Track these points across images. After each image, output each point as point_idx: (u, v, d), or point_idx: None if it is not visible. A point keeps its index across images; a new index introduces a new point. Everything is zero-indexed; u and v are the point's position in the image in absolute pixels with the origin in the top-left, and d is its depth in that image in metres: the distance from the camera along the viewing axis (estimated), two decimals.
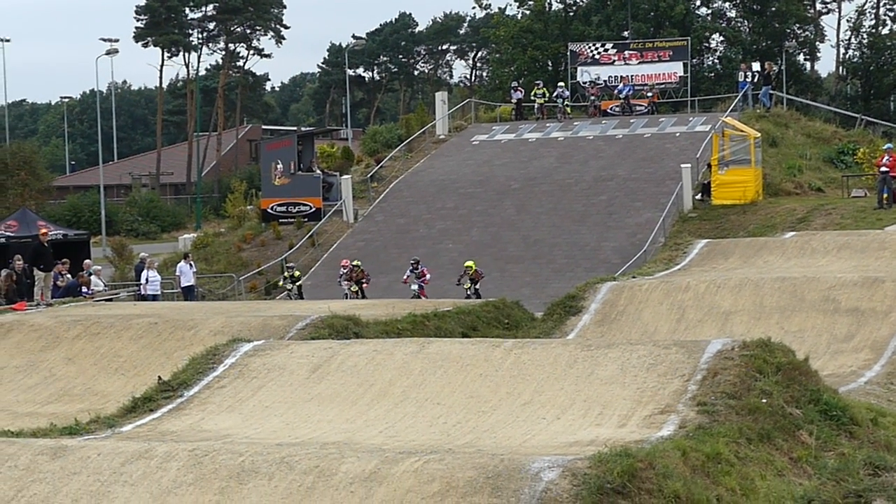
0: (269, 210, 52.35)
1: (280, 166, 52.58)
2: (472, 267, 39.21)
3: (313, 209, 51.59)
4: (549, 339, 24.32)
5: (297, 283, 42.55)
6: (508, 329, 27.53)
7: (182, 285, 41.59)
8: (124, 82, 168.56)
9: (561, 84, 61.88)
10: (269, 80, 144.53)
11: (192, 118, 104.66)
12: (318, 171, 53.25)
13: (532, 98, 60.88)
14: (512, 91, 63.57)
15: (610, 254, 44.39)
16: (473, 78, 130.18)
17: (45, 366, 24.95)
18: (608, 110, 61.26)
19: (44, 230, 38.19)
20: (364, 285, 40.56)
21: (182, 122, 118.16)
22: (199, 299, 41.20)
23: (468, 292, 37.99)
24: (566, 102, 59.69)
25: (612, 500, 11.97)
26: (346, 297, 38.95)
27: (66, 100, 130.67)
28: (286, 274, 42.85)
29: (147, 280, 39.94)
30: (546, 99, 60.51)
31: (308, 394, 18.39)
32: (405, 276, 39.85)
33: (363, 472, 12.77)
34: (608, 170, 51.41)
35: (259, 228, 51.95)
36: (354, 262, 41.81)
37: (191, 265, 42.45)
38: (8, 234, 47.44)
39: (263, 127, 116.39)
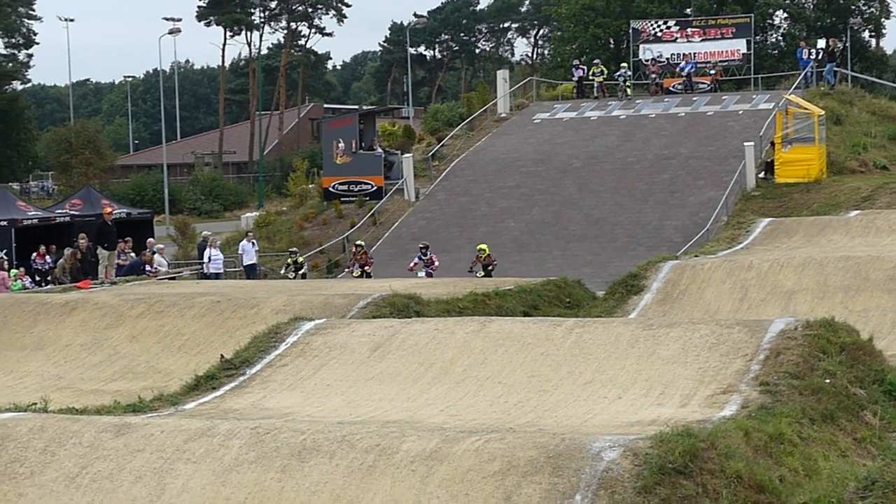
0: (331, 189, 52.43)
1: (342, 145, 52.63)
2: (485, 250, 37.98)
3: (375, 188, 51.64)
4: (610, 318, 24.24)
5: (301, 272, 40.45)
6: (570, 308, 27.46)
7: (244, 263, 41.78)
8: (187, 61, 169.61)
9: (624, 65, 61.56)
10: (330, 58, 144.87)
11: (254, 97, 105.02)
12: (380, 150, 53.27)
13: (591, 77, 60.64)
14: (573, 69, 63.33)
15: (672, 232, 44.16)
16: (535, 56, 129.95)
17: (109, 344, 25.14)
18: (670, 88, 60.91)
19: (108, 209, 38.41)
20: (366, 268, 39.51)
21: (244, 100, 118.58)
22: (261, 278, 41.36)
23: (479, 274, 36.94)
24: (627, 82, 59.38)
25: (674, 480, 11.91)
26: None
27: (130, 79, 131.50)
28: (289, 260, 40.74)
29: (210, 258, 40.14)
30: (604, 78, 60.24)
31: (369, 372, 18.44)
32: (412, 263, 38.69)
33: (424, 451, 12.78)
34: (670, 148, 51.14)
35: (321, 207, 52.05)
36: (357, 243, 41.13)
37: (253, 244, 42.64)
38: (72, 212, 47.80)
39: (325, 106, 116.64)
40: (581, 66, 62.47)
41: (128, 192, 79.33)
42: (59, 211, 48.72)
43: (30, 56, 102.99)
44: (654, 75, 61.45)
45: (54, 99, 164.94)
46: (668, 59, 63.19)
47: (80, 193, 52.61)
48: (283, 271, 40.61)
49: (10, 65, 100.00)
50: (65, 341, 25.51)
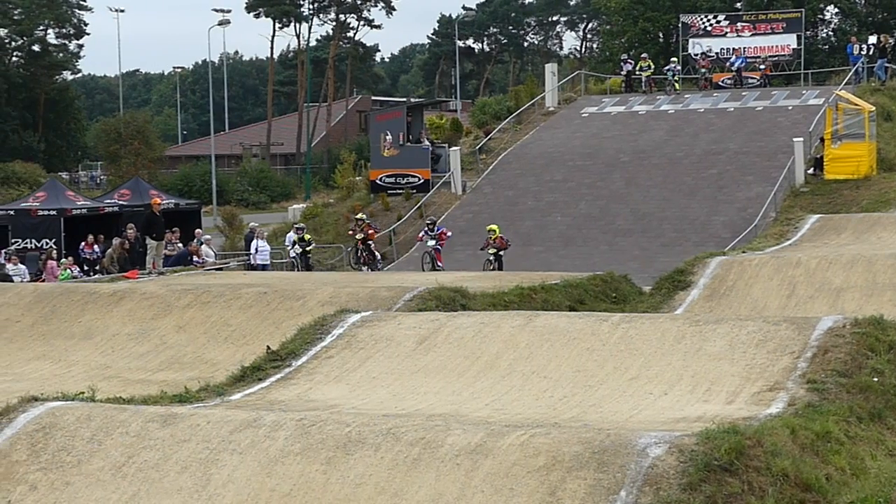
0: (378, 181, 52.49)
1: (389, 137, 52.68)
2: (495, 231, 37.52)
3: (422, 181, 51.66)
4: (657, 313, 24.16)
5: (307, 250, 39.03)
6: (616, 303, 27.39)
7: (291, 255, 41.90)
8: (236, 53, 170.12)
9: (674, 59, 61.34)
10: (378, 51, 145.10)
11: (302, 89, 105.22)
12: (427, 143, 53.28)
13: (638, 72, 60.43)
14: (622, 63, 63.15)
15: (720, 228, 43.99)
16: (583, 49, 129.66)
17: (156, 334, 25.24)
18: (720, 83, 60.63)
19: (156, 199, 38.62)
20: (369, 241, 38.95)
21: (292, 92, 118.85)
22: (308, 269, 41.43)
23: (490, 258, 36.85)
24: (676, 77, 59.15)
25: (720, 477, 11.86)
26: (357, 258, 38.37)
27: (179, 70, 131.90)
28: (295, 237, 39.16)
29: (257, 249, 40.27)
30: (652, 72, 60.03)
31: (415, 365, 18.45)
32: (420, 234, 39.24)
33: (469, 445, 12.78)
34: (719, 143, 50.92)
35: (368, 199, 52.13)
36: (358, 216, 40.16)
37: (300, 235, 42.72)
38: (121, 202, 48.10)
39: (373, 98, 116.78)
40: (629, 61, 62.28)
41: (176, 183, 79.68)
42: (108, 201, 49.05)
43: (80, 46, 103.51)
44: (703, 70, 61.19)
45: (104, 89, 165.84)
46: (717, 53, 62.91)
47: (128, 184, 52.92)
48: (289, 247, 40.33)
49: (61, 55, 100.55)
50: (112, 331, 25.64)
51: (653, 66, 60.27)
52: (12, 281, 33.27)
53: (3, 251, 37.87)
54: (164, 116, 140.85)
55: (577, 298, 26.80)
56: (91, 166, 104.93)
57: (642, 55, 63.12)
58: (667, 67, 59.92)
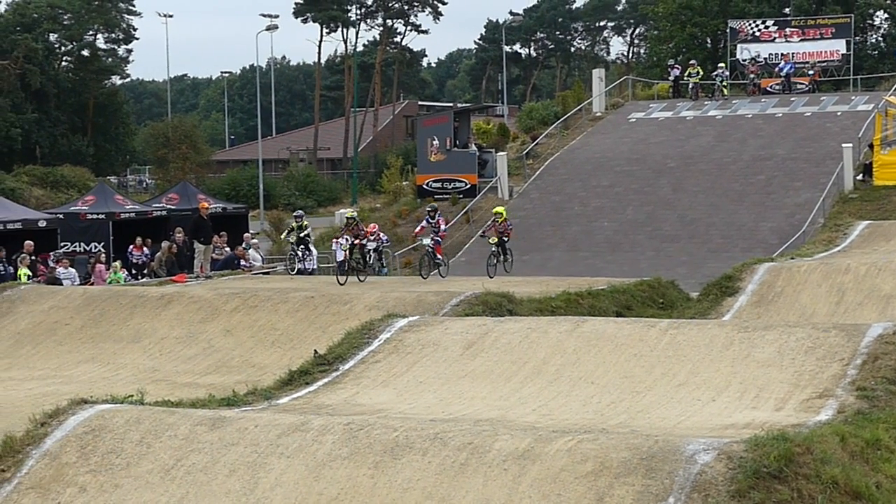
0: (425, 186, 52.52)
1: (436, 142, 52.71)
2: (502, 214, 34.05)
3: (468, 185, 51.65)
4: (704, 319, 24.08)
5: (304, 235, 34.52)
6: (663, 309, 27.33)
7: (338, 260, 41.91)
8: (283, 58, 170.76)
9: (721, 64, 61.10)
10: (425, 56, 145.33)
11: (349, 94, 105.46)
12: (474, 148, 53.28)
13: (686, 78, 60.23)
14: (669, 69, 62.98)
15: (767, 234, 43.78)
16: (631, 55, 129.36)
17: (203, 337, 25.36)
18: (768, 88, 60.37)
19: (204, 203, 38.74)
20: (357, 241, 32.86)
21: (339, 97, 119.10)
22: (352, 274, 41.44)
23: (494, 249, 33.32)
24: (724, 82, 58.92)
25: (769, 484, 11.81)
26: (344, 264, 32.89)
27: (227, 75, 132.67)
28: (294, 224, 34.80)
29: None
30: (700, 78, 59.81)
31: (462, 370, 18.46)
32: (419, 227, 34.49)
33: (516, 450, 12.76)
34: (767, 149, 50.68)
35: (414, 204, 52.15)
36: (348, 216, 34.87)
37: (346, 240, 42.74)
38: (169, 206, 48.24)
39: (420, 103, 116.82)
40: (677, 66, 62.11)
41: (223, 187, 79.96)
42: (156, 205, 49.20)
43: (129, 51, 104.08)
44: (752, 75, 60.93)
45: (152, 94, 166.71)
46: (766, 59, 62.63)
47: (176, 188, 53.07)
48: (283, 236, 37.07)
49: (110, 60, 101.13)
50: (160, 334, 25.78)
51: (701, 72, 60.04)
52: (62, 284, 33.44)
53: (51, 254, 38.03)
54: (212, 121, 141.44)
55: (625, 304, 26.75)
56: (139, 170, 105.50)
57: (690, 61, 62.92)
58: (715, 73, 59.68)
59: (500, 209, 34.85)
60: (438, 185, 52.23)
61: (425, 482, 12.66)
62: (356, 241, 32.64)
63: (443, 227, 34.19)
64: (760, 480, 11.80)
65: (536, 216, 48.71)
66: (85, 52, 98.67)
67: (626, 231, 46.28)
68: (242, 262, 37.80)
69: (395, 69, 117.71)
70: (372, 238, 34.16)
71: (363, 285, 30.36)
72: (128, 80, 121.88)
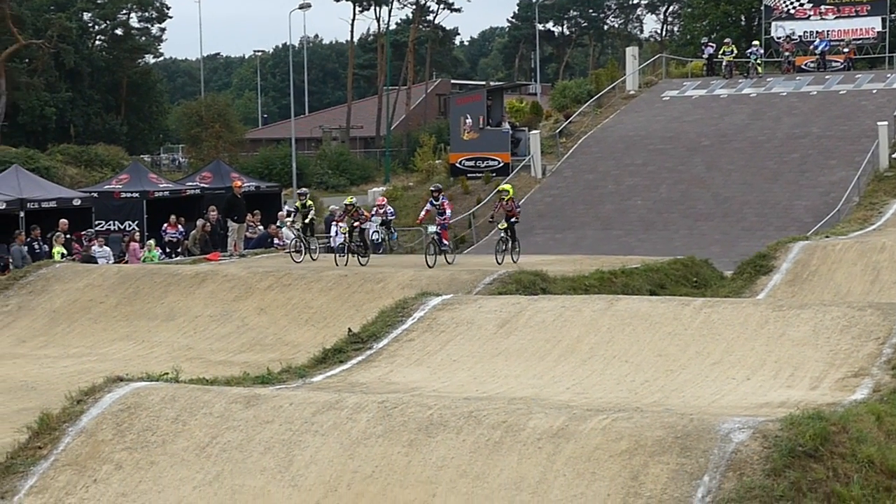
0: (458, 164, 52.47)
1: (469, 121, 52.64)
2: (508, 192, 32.12)
3: (501, 164, 51.57)
4: (739, 298, 24.02)
5: (308, 218, 32.63)
6: (697, 287, 27.27)
7: (338, 243, 41.95)
8: (316, 36, 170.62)
9: (755, 42, 60.76)
10: (458, 34, 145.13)
11: (381, 72, 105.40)
12: (508, 126, 53.19)
13: (720, 56, 59.92)
14: (703, 46, 62.68)
15: (802, 212, 43.59)
16: (664, 33, 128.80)
17: (237, 315, 25.45)
18: (802, 66, 60.04)
19: (237, 182, 38.86)
20: (357, 224, 31.30)
21: (372, 76, 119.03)
22: (388, 252, 41.51)
23: (502, 234, 31.60)
24: (758, 60, 58.61)
25: (804, 463, 11.77)
26: (343, 247, 31.59)
27: (259, 53, 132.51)
28: (297, 203, 33.13)
29: (336, 232, 40.35)
30: (734, 56, 59.50)
31: (495, 348, 18.47)
32: (423, 213, 32.31)
33: (551, 429, 12.76)
34: (802, 127, 50.44)
35: (447, 183, 52.10)
36: (348, 201, 33.03)
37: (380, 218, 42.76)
38: (202, 185, 48.39)
39: (452, 81, 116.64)
40: (711, 44, 61.82)
41: (256, 166, 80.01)
42: (190, 183, 49.36)
43: (162, 30, 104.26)
44: (786, 53, 60.59)
45: (185, 73, 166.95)
46: (800, 36, 62.27)
47: (210, 166, 53.20)
48: (289, 220, 34.56)
49: (143, 38, 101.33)
50: (194, 312, 25.89)
51: (735, 50, 59.73)
52: (97, 262, 33.58)
53: (84, 233, 38.17)
54: (245, 100, 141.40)
55: (658, 283, 26.71)
56: (172, 149, 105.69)
57: (725, 39, 62.59)
58: (749, 51, 59.37)
59: (506, 186, 33.33)
60: (471, 163, 52.17)
61: (459, 460, 12.68)
62: (356, 224, 31.31)
63: (448, 211, 32.11)
64: (796, 459, 11.77)
65: (569, 194, 48.64)
66: (118, 31, 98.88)
67: (660, 209, 46.16)
68: (276, 241, 37.87)
69: (427, 47, 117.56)
70: (381, 211, 33.27)
71: (396, 264, 30.36)
72: (161, 58, 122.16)
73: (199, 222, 39.97)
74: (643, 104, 56.33)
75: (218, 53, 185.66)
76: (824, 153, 47.79)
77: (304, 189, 35.32)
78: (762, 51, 59.74)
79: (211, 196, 45.21)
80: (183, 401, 14.43)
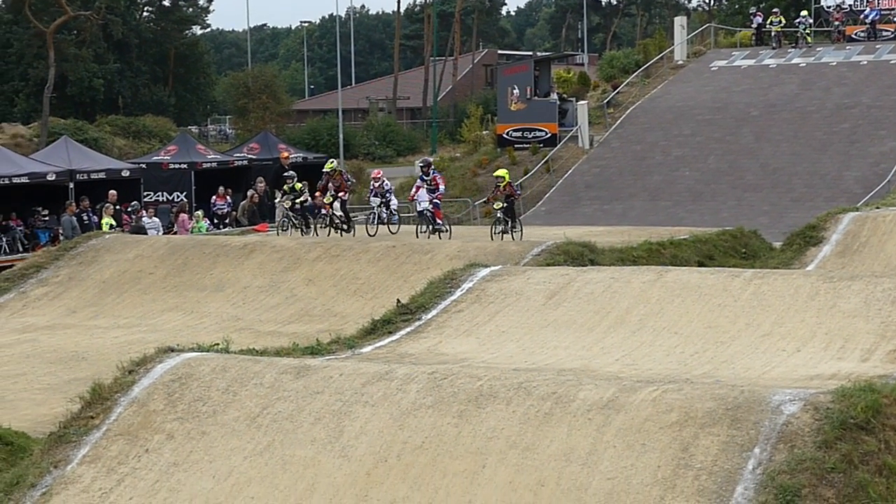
0: (505, 135, 52.39)
1: (516, 91, 52.53)
2: (504, 178, 30.77)
3: (549, 135, 51.46)
4: (788, 269, 23.91)
5: (301, 199, 31.22)
6: (745, 259, 27.18)
7: (418, 210, 41.93)
8: (362, 7, 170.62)
9: (804, 12, 60.27)
10: (505, 4, 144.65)
11: (428, 43, 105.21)
12: (555, 97, 53.04)
13: (768, 25, 59.46)
14: (752, 16, 62.22)
15: (851, 183, 43.34)
16: (712, 2, 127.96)
17: (286, 286, 25.55)
18: (852, 35, 59.50)
19: (285, 153, 38.95)
20: (341, 194, 30.61)
21: (419, 46, 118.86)
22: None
23: (499, 215, 30.28)
24: (807, 30, 58.14)
25: (856, 435, 11.72)
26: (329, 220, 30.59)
27: (306, 24, 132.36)
28: (285, 187, 31.40)
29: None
30: (783, 26, 59.04)
31: (544, 320, 18.46)
32: (414, 188, 31.49)
33: (601, 400, 12.75)
34: (851, 97, 50.07)
35: (494, 153, 52.06)
36: (325, 170, 31.48)
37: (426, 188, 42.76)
38: (250, 156, 48.50)
39: (499, 52, 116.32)
40: (759, 14, 61.36)
41: (303, 137, 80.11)
42: (237, 155, 49.48)
43: (209, 1, 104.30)
44: (836, 22, 60.07)
45: (232, 44, 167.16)
46: (850, 5, 61.69)
47: (257, 137, 53.32)
48: (278, 200, 33.09)
49: (191, 10, 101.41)
50: (243, 283, 26.00)
51: (783, 20, 59.28)
52: (147, 233, 33.75)
53: (132, 204, 38.33)
54: (291, 71, 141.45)
55: (707, 254, 26.62)
56: (219, 120, 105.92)
57: (773, 8, 62.11)
58: (797, 20, 58.91)
59: (501, 172, 31.68)
60: (518, 134, 52.08)
61: (509, 431, 12.69)
62: (338, 195, 30.23)
63: (441, 186, 30.94)
64: (847, 431, 11.71)
65: (617, 165, 48.52)
66: (166, 2, 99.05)
67: (708, 180, 45.99)
68: (323, 212, 37.88)
69: (474, 18, 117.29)
70: (376, 186, 31.64)
71: (443, 235, 30.37)
72: (208, 30, 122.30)
73: (249, 193, 40.11)
74: (691, 74, 56.02)
75: (265, 24, 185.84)
76: (874, 123, 47.45)
77: (289, 172, 32.75)
78: (811, 20, 59.24)
79: (259, 167, 45.32)
80: (233, 371, 14.50)
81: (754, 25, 60.84)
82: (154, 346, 16.15)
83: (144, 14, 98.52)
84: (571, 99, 53.87)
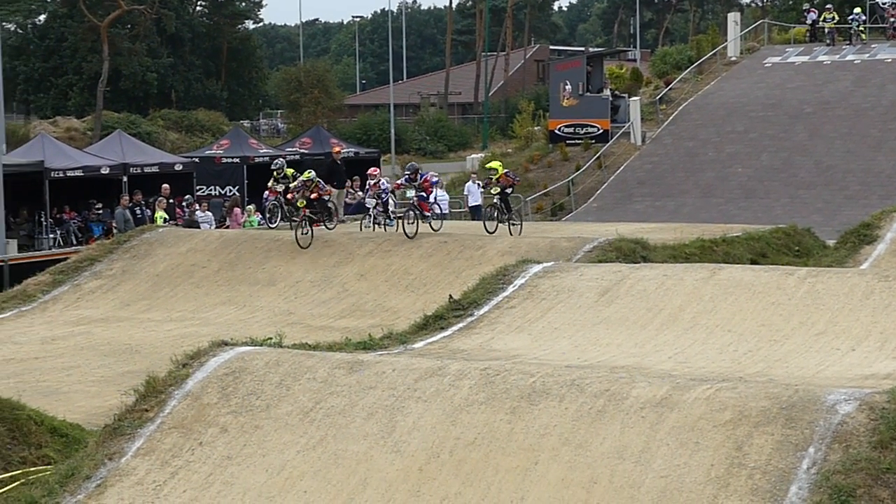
0: (557, 131, 52.28)
1: (569, 87, 52.40)
2: (497, 170, 29.31)
3: (601, 131, 51.30)
4: (842, 268, 23.76)
5: (289, 188, 28.67)
6: (798, 256, 27.02)
7: (469, 205, 41.97)
8: (414, 2, 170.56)
9: (857, 9, 59.84)
10: None
11: (480, 38, 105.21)
12: (608, 93, 52.91)
13: (822, 22, 59.07)
14: (805, 12, 61.87)
15: None
16: None
17: (338, 281, 25.62)
18: None
19: (336, 148, 39.04)
20: (313, 196, 28.28)
21: (470, 41, 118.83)
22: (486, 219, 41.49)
23: (495, 201, 29.02)
24: (861, 27, 57.73)
25: None
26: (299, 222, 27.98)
27: (358, 19, 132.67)
28: (276, 174, 29.21)
29: (435, 198, 40.37)
30: (836, 23, 58.64)
31: (597, 316, 18.43)
32: (394, 183, 29.89)
33: (654, 398, 12.72)
34: None
35: (546, 149, 51.97)
36: (307, 175, 29.03)
37: (478, 185, 42.76)
38: (302, 150, 48.66)
39: (551, 47, 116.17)
40: (813, 10, 60.98)
41: (355, 132, 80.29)
42: (289, 149, 49.62)
43: None
44: (892, 19, 59.61)
45: (284, 38, 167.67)
46: None
47: (309, 132, 53.50)
48: (270, 183, 29.62)
49: (244, 4, 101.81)
50: (295, 277, 26.09)
51: (836, 17, 58.89)
52: (200, 227, 33.90)
53: (185, 198, 38.53)
54: (343, 65, 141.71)
55: (759, 251, 26.48)
56: (271, 115, 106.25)
57: (827, 5, 61.73)
58: (851, 17, 58.49)
59: (494, 164, 30.24)
60: (570, 129, 51.96)
61: (562, 428, 12.67)
62: (313, 196, 28.28)
63: (434, 191, 28.98)
64: None
65: (669, 162, 48.36)
66: None
67: (761, 177, 45.77)
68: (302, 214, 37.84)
69: (526, 13, 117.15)
70: (373, 184, 29.71)
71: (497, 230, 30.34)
72: (260, 24, 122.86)
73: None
74: (745, 71, 55.73)
75: (317, 19, 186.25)
76: None
77: (277, 161, 30.49)
78: (864, 17, 58.80)
79: (310, 162, 45.38)
80: (287, 365, 14.54)
81: (808, 22, 60.46)
82: (207, 339, 16.22)
83: (197, 8, 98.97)
84: (624, 95, 53.70)
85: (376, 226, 29.12)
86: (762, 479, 11.53)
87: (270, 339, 16.11)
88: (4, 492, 13.59)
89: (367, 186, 30.63)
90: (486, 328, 18.52)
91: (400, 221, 28.10)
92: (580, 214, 43.93)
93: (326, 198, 28.54)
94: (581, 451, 12.38)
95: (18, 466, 14.16)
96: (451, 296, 20.15)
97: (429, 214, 28.09)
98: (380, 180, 30.08)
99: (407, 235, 27.10)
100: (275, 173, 29.32)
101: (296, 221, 28.09)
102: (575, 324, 18.27)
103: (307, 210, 27.71)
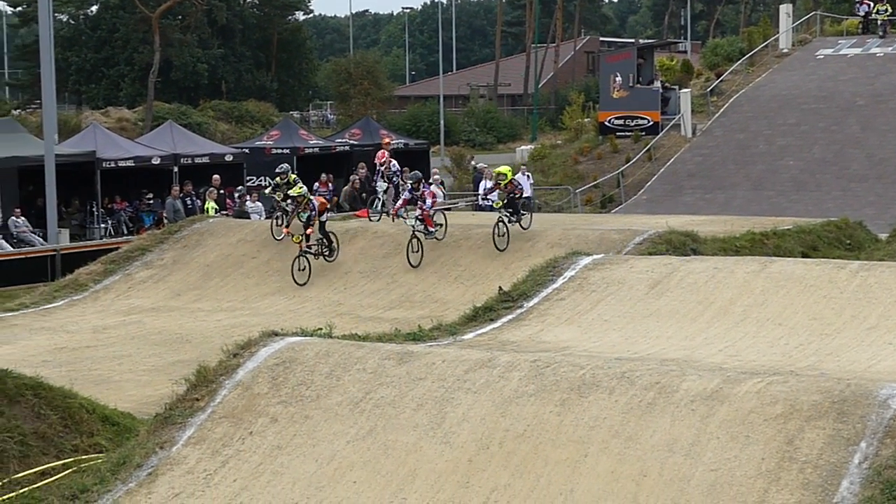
0: (607, 123, 52.11)
1: (619, 79, 52.21)
2: (506, 176, 27.31)
3: (651, 123, 51.10)
4: (894, 261, 23.60)
5: (298, 193, 27.11)
6: (850, 250, 26.85)
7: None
8: None
9: None
10: None
11: (530, 29, 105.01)
12: (658, 85, 52.70)
13: (875, 14, 58.60)
14: (858, 4, 61.38)
15: None
16: None
17: (387, 272, 25.66)
18: None
19: (386, 139, 38.96)
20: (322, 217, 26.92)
21: (520, 33, 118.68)
22: (535, 211, 41.48)
23: (503, 217, 26.47)
24: None
25: None
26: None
27: (408, 10, 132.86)
28: (278, 179, 28.18)
29: (485, 190, 40.37)
30: (888, 15, 58.13)
31: (647, 309, 18.39)
32: (401, 200, 27.58)
33: (704, 391, 12.68)
34: None
35: (596, 141, 51.83)
36: (298, 190, 27.32)
37: (528, 176, 42.72)
38: (352, 142, 48.71)
39: (601, 39, 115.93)
40: (867, 2, 60.51)
41: (404, 123, 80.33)
42: (339, 140, 49.71)
43: None
44: None
45: (334, 29, 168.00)
46: None
47: (359, 123, 53.55)
48: (267, 191, 29.40)
49: None
50: (344, 268, 26.16)
51: (889, 9, 58.39)
52: (250, 218, 34.02)
53: (236, 189, 38.65)
54: (393, 57, 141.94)
55: (810, 245, 26.32)
56: (321, 106, 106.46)
57: None
58: None
59: (503, 169, 28.33)
60: (620, 122, 51.78)
61: (612, 420, 12.66)
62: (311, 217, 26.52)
63: (428, 200, 26.71)
64: None
65: (720, 154, 48.12)
66: None
67: (812, 170, 45.47)
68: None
69: (576, 4, 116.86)
70: (382, 169, 29.21)
71: (544, 222, 30.26)
72: (310, 15, 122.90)
73: (351, 178, 40.34)
74: (797, 63, 55.37)
75: (366, 10, 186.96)
76: None
77: (283, 166, 29.23)
78: None
79: (360, 153, 45.48)
80: (337, 356, 14.58)
81: (861, 14, 60.01)
82: (257, 329, 16.30)
83: (248, 0, 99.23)
84: (674, 87, 53.47)
85: (386, 214, 28.28)
86: (813, 473, 11.48)
87: (320, 329, 16.16)
88: (57, 479, 13.70)
89: (377, 171, 29.86)
90: (536, 320, 18.51)
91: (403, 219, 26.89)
92: (630, 207, 43.79)
93: (324, 218, 27.02)
94: (631, 443, 12.36)
95: (70, 454, 14.27)
96: (500, 287, 20.15)
97: (433, 230, 26.52)
98: (390, 163, 29.58)
99: (411, 265, 25.82)
100: (277, 178, 28.25)
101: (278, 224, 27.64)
102: (625, 316, 18.24)
103: (304, 244, 26.30)
